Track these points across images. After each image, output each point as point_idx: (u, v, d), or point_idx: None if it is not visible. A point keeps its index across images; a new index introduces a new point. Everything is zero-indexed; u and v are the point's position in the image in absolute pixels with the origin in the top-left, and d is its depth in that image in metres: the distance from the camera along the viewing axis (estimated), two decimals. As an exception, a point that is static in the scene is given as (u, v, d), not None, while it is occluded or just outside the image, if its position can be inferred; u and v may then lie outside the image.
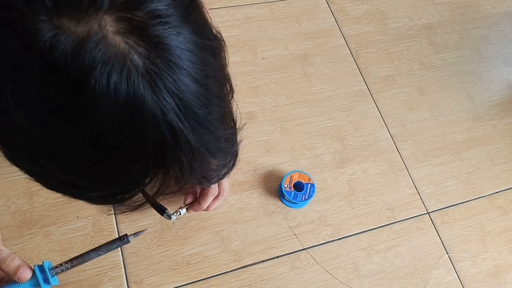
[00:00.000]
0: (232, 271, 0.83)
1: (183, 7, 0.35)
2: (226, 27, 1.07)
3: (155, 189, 0.40)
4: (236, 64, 1.02)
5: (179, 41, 0.33)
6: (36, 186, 0.83)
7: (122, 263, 0.80)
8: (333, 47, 1.11)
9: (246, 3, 1.11)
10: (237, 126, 0.44)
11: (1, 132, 0.36)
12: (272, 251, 0.85)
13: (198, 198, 0.76)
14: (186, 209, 0.77)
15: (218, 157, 0.41)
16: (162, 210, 0.71)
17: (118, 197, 0.40)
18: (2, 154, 0.39)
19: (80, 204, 0.83)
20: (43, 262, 0.56)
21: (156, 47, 0.32)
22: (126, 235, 0.62)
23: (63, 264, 0.60)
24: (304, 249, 0.87)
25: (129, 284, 0.78)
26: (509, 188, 1.01)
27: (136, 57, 0.32)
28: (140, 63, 0.32)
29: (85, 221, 0.82)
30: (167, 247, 0.82)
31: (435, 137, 1.04)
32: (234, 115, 0.43)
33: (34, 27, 0.30)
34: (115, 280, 0.78)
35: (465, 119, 1.08)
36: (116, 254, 0.80)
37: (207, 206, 0.77)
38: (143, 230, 0.67)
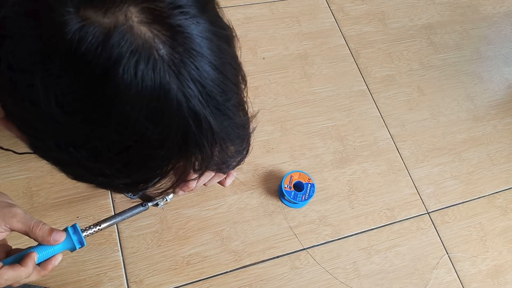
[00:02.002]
0: (232, 271, 0.83)
1: None
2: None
3: (176, 177, 0.41)
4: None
5: (198, 30, 0.35)
6: (36, 186, 0.83)
7: (122, 263, 0.80)
8: (333, 47, 1.11)
9: (246, 3, 1.11)
10: (249, 114, 0.45)
11: (29, 122, 0.37)
12: (272, 251, 0.85)
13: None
14: (173, 190, 0.73)
15: (236, 143, 0.42)
16: (148, 199, 0.70)
17: (142, 184, 0.41)
18: (26, 145, 0.39)
19: (80, 204, 0.83)
20: (73, 224, 0.56)
21: (178, 36, 0.34)
22: (146, 203, 0.66)
23: (91, 226, 0.60)
24: (304, 249, 0.87)
25: (129, 284, 0.78)
26: (509, 188, 1.01)
27: (161, 46, 0.33)
28: (165, 52, 0.33)
29: (85, 221, 0.82)
30: (167, 247, 0.82)
31: (435, 137, 1.04)
32: (246, 104, 0.44)
33: (62, 18, 0.32)
34: (115, 280, 0.78)
35: (465, 119, 1.08)
36: (116, 254, 0.80)
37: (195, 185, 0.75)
38: (162, 200, 0.68)
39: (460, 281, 0.89)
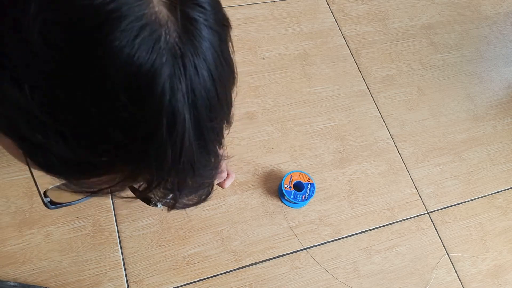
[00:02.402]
0: (232, 271, 0.83)
1: (220, 14, 0.36)
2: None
3: (119, 179, 0.37)
4: (236, 64, 1.02)
5: (210, 38, 0.34)
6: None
7: (122, 263, 0.80)
8: (333, 47, 1.11)
9: (246, 3, 1.11)
10: (220, 156, 0.41)
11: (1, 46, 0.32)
12: (272, 251, 0.85)
13: None
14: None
15: (199, 171, 0.38)
16: (148, 200, 0.69)
17: (80, 170, 0.36)
18: None
19: (80, 204, 0.83)
20: None
21: (191, 31, 0.33)
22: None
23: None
24: (304, 249, 0.87)
25: (129, 284, 0.78)
26: (509, 188, 1.01)
27: (171, 29, 0.32)
28: (172, 36, 0.32)
29: (85, 221, 0.82)
30: (167, 247, 0.82)
31: (435, 137, 1.04)
32: (223, 145, 0.41)
33: None
34: (115, 280, 0.78)
35: (465, 119, 1.08)
36: (116, 254, 0.80)
37: None
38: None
39: (460, 281, 0.89)
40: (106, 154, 0.34)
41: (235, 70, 0.40)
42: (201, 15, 0.33)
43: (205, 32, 0.34)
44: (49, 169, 0.37)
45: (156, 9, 0.31)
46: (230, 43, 0.39)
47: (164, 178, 0.36)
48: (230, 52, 0.39)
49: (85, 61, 0.31)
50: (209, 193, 0.44)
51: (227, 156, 0.42)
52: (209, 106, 0.35)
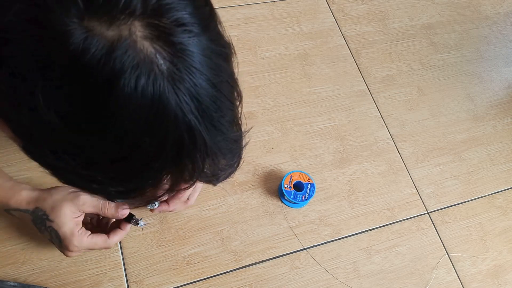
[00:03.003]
0: (232, 271, 0.83)
1: (204, 17, 0.38)
2: (226, 27, 1.07)
3: (167, 186, 0.42)
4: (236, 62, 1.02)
5: (199, 48, 0.36)
6: (37, 186, 0.83)
7: (122, 263, 0.80)
8: (333, 47, 1.11)
9: (246, 3, 1.12)
10: (243, 129, 0.46)
11: (26, 127, 0.37)
12: (272, 251, 0.85)
13: (167, 200, 0.77)
14: (151, 209, 0.76)
15: (227, 157, 0.44)
16: (129, 217, 0.71)
17: (135, 192, 0.42)
18: (18, 147, 0.40)
19: (80, 204, 0.83)
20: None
21: (180, 53, 0.35)
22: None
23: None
24: (304, 249, 0.87)
25: (129, 284, 0.78)
26: (509, 188, 1.01)
27: (161, 61, 0.34)
28: (165, 68, 0.34)
29: (85, 221, 0.82)
30: (167, 247, 0.82)
31: (435, 137, 1.04)
32: (240, 119, 0.46)
33: (66, 28, 0.32)
34: (115, 280, 0.78)
35: (465, 119, 1.08)
36: (116, 254, 0.80)
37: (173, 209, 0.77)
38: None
39: (460, 281, 0.89)
40: (149, 178, 0.40)
41: (229, 42, 0.42)
42: (184, 35, 0.35)
43: (194, 47, 0.36)
44: (109, 198, 0.47)
45: (142, 47, 0.33)
46: (218, 22, 0.41)
47: (201, 173, 0.41)
48: (221, 32, 0.41)
49: (101, 124, 0.34)
50: (239, 162, 0.50)
51: (247, 129, 0.48)
52: (217, 106, 0.38)
